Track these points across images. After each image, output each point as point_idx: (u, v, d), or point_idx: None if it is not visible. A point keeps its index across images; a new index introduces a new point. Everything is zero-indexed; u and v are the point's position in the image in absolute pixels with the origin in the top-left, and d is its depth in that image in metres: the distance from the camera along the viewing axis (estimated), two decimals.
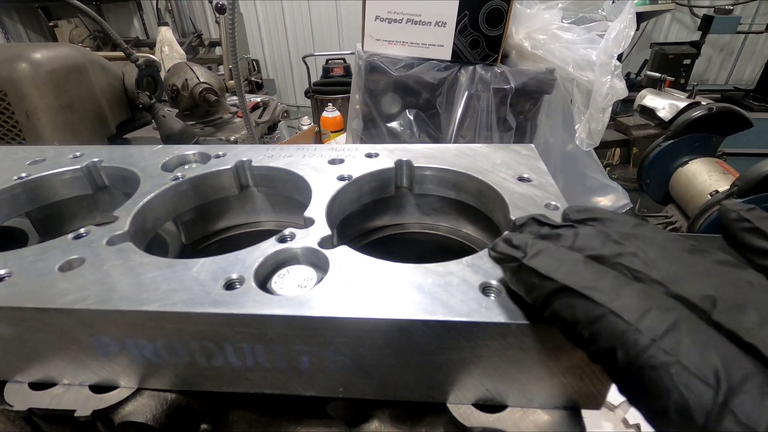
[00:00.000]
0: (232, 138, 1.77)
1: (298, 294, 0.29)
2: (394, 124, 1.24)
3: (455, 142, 1.22)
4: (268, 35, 4.81)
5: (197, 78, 1.71)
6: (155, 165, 0.46)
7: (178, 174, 0.44)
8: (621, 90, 0.92)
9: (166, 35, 2.10)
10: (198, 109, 1.79)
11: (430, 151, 0.46)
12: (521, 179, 0.40)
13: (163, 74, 2.00)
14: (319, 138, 2.09)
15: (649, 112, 2.05)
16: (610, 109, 1.01)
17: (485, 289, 0.28)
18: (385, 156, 0.46)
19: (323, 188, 0.40)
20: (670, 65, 3.57)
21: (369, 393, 0.30)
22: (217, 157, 0.48)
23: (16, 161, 0.48)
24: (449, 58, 1.20)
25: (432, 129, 1.25)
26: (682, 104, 1.90)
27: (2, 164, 0.47)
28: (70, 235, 0.35)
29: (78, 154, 0.49)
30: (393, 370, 0.28)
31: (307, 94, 3.86)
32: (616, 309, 0.21)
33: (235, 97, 2.17)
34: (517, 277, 0.25)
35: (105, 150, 0.50)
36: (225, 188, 0.46)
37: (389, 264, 0.30)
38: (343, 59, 3.97)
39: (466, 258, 0.30)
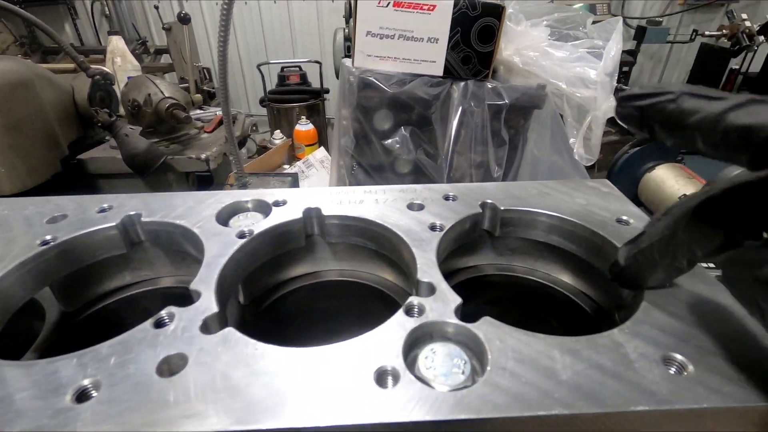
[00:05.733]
0: (203, 156, 1.66)
1: (459, 384, 0.25)
2: (389, 141, 1.21)
3: (452, 157, 1.22)
4: (216, 42, 4.59)
5: (161, 92, 1.59)
6: (209, 218, 0.40)
7: (245, 229, 0.38)
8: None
9: (118, 45, 1.93)
10: (162, 126, 1.66)
11: (512, 189, 0.44)
12: (620, 221, 0.39)
13: (116, 87, 1.84)
14: (292, 152, 2.02)
15: (609, 120, 2.18)
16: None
17: (667, 362, 0.26)
18: (463, 199, 0.43)
19: (418, 242, 0.37)
20: None
21: None
22: (277, 205, 0.42)
23: (31, 219, 0.39)
24: (441, 74, 1.19)
25: (428, 145, 1.23)
26: None
27: (15, 224, 0.38)
28: (148, 323, 0.29)
29: (106, 206, 0.41)
30: None
31: (262, 102, 3.74)
32: None
33: (199, 111, 2.04)
34: None
35: (137, 200, 0.43)
36: (293, 241, 0.41)
37: (548, 339, 0.27)
38: (299, 67, 3.88)
39: (624, 325, 0.28)
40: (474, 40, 1.15)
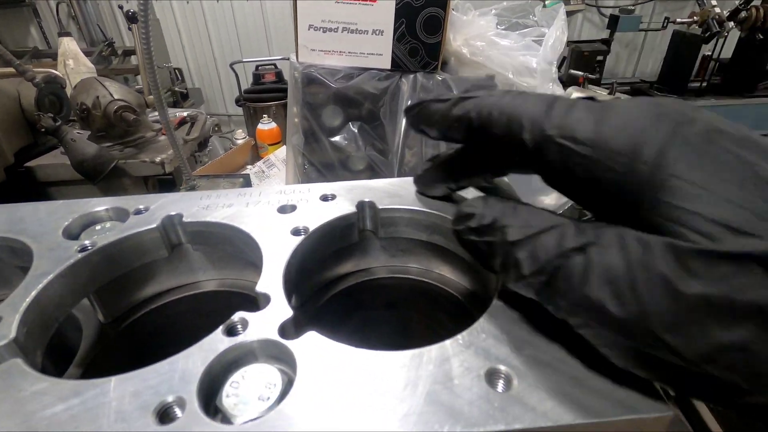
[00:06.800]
0: (158, 159, 1.61)
1: (259, 414, 0.22)
2: (337, 138, 1.17)
3: (402, 153, 1.19)
4: (189, 42, 4.52)
5: (110, 95, 1.53)
6: (54, 231, 0.36)
7: (87, 242, 0.35)
8: (561, 94, 0.93)
9: (69, 46, 1.86)
10: (114, 130, 1.61)
11: (393, 188, 0.41)
12: None
13: (69, 91, 1.78)
14: (256, 152, 1.97)
15: None
16: None
17: (491, 377, 0.23)
18: (343, 197, 0.40)
19: (275, 248, 0.33)
20: (586, 62, 3.83)
21: None
22: (138, 213, 0.39)
23: None
24: (389, 67, 1.16)
25: (377, 141, 1.20)
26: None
27: None
28: None
29: None
30: None
31: (238, 102, 3.67)
32: None
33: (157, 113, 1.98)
34: None
35: None
36: (151, 252, 0.38)
37: (372, 354, 0.25)
38: (274, 65, 3.82)
39: (460, 334, 0.26)
40: (420, 31, 1.12)
